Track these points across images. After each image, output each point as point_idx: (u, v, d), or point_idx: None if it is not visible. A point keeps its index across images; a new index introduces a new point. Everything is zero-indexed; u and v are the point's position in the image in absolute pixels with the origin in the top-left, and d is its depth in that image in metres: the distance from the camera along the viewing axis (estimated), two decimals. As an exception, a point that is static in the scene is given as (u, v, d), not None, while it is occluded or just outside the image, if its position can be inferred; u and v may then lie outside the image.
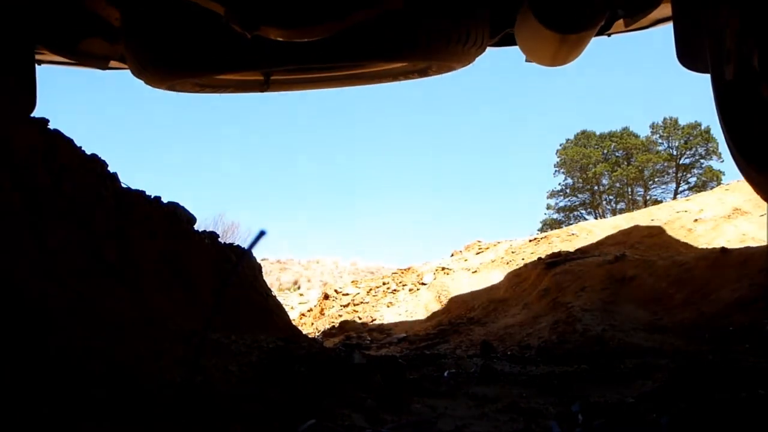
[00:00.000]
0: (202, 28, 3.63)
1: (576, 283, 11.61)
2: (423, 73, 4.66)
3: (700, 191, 26.83)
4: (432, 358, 6.27)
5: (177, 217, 4.73)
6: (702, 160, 37.49)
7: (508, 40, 4.85)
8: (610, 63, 61.39)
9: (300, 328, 10.81)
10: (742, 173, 2.88)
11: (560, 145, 40.73)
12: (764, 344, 5.93)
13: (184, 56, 3.82)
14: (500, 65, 66.46)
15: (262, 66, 3.95)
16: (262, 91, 4.66)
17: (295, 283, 30.17)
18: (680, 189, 37.63)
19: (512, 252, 15.58)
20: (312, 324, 15.19)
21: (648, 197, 38.10)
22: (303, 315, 16.55)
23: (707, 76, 3.29)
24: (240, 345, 3.82)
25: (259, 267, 7.03)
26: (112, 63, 4.77)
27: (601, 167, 38.56)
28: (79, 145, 4.02)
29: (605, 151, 39.72)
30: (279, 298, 9.92)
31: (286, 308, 11.48)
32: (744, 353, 5.49)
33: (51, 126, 3.85)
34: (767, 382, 2.32)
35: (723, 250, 10.14)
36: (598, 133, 40.37)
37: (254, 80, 4.67)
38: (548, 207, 41.19)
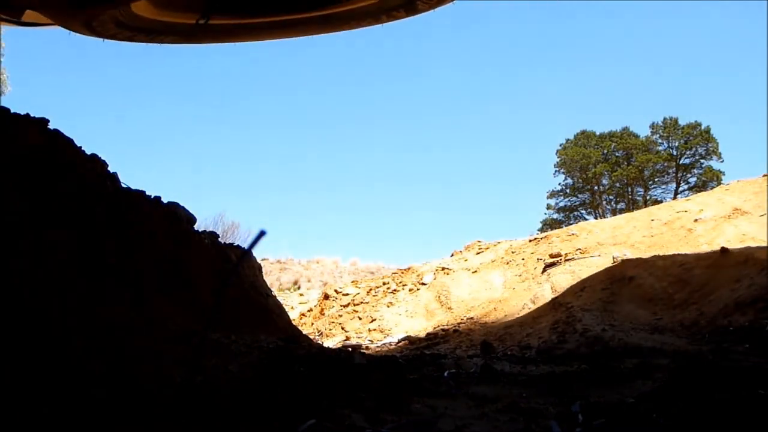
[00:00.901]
0: None
1: (576, 283, 11.63)
2: (410, 8, 4.10)
3: (700, 191, 26.82)
4: (432, 358, 6.28)
5: (177, 217, 4.74)
6: (702, 160, 37.37)
7: None
8: (610, 62, 61.46)
9: (300, 328, 10.81)
10: None
11: (560, 145, 40.62)
12: (764, 344, 5.93)
13: None
14: (500, 65, 66.53)
15: None
16: (199, 40, 4.04)
17: (295, 283, 30.20)
18: (680, 189, 37.54)
19: (512, 252, 15.61)
20: (312, 324, 15.21)
21: (648, 197, 38.01)
22: (303, 315, 16.57)
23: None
24: (240, 345, 3.83)
25: (259, 267, 7.04)
26: (29, 17, 4.23)
27: (601, 167, 38.48)
28: (79, 144, 4.02)
29: (605, 151, 39.63)
30: (279, 298, 9.93)
31: (286, 308, 11.48)
32: (744, 353, 5.50)
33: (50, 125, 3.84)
34: (767, 382, 2.32)
35: (723, 250, 10.16)
36: (598, 133, 40.33)
37: (196, 25, 4.14)
38: (548, 207, 41.11)
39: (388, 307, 14.44)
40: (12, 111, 3.58)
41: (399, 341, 11.89)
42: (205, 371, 2.72)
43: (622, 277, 11.04)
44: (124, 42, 4.21)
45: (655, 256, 11.61)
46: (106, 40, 4.09)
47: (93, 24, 3.77)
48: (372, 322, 13.71)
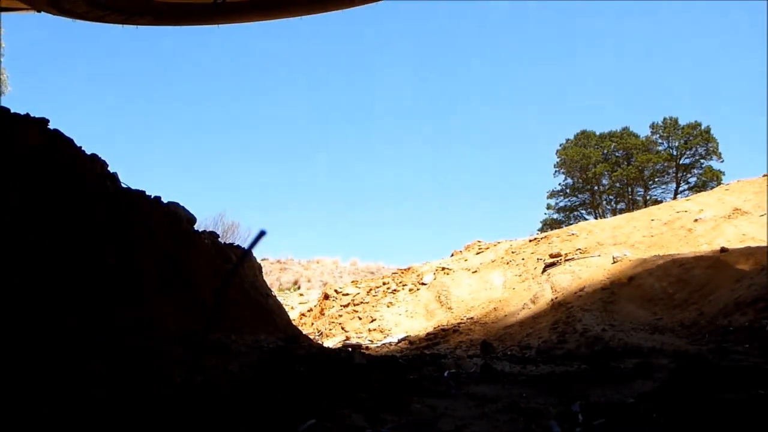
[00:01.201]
0: None
1: (576, 283, 11.64)
2: None
3: (700, 191, 26.78)
4: (432, 358, 6.28)
5: (177, 217, 4.74)
6: (702, 160, 37.23)
7: None
8: (610, 62, 61.44)
9: (300, 328, 10.81)
10: None
11: (560, 145, 40.51)
12: (764, 344, 5.93)
13: None
14: (500, 65, 66.52)
15: None
16: (204, 21, 3.99)
17: (295, 283, 30.21)
18: (680, 189, 37.46)
19: (512, 252, 15.61)
20: (312, 324, 15.21)
21: (648, 197, 37.91)
22: (303, 315, 16.57)
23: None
24: (240, 345, 3.83)
25: (259, 267, 7.04)
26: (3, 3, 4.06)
27: (601, 167, 38.38)
28: (79, 144, 4.02)
29: (605, 151, 39.56)
30: (279, 298, 9.94)
31: (286, 308, 11.47)
32: (744, 353, 5.51)
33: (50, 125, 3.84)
34: (767, 382, 2.32)
35: (723, 250, 10.17)
36: (598, 133, 40.30)
37: (168, 3, 4.01)
38: (548, 207, 40.97)
39: (388, 307, 14.44)
40: (12, 111, 3.58)
41: (399, 341, 11.89)
42: (205, 371, 2.72)
43: (622, 277, 11.05)
44: (97, 23, 4.07)
45: (655, 256, 11.61)
46: (77, 20, 3.94)
47: (60, 2, 3.61)
48: (372, 322, 13.70)
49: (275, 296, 6.55)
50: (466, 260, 16.01)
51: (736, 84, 52.33)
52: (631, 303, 9.82)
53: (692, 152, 37.35)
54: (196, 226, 4.96)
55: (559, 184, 41.14)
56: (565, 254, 13.48)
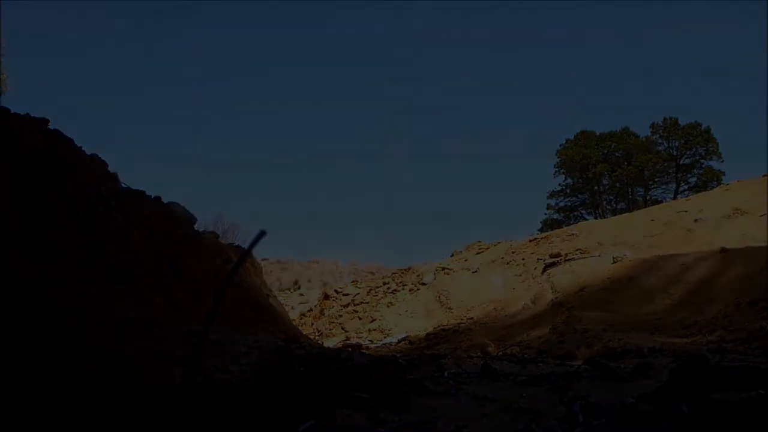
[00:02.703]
0: None
1: (576, 283, 11.63)
2: None
3: (700, 191, 26.76)
4: (432, 358, 6.28)
5: (177, 217, 4.74)
6: (702, 160, 37.21)
7: None
8: (610, 62, 61.50)
9: (300, 328, 10.81)
10: None
11: (560, 145, 40.54)
12: (764, 344, 5.93)
13: None
14: (500, 64, 66.61)
15: None
16: None
17: (295, 283, 30.25)
18: (680, 189, 37.42)
19: (512, 252, 15.60)
20: (312, 324, 15.20)
21: (648, 197, 37.90)
22: (303, 315, 16.57)
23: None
24: (240, 345, 3.83)
25: (260, 267, 7.05)
26: None
27: (601, 167, 38.31)
28: (79, 144, 4.02)
29: (605, 151, 39.53)
30: (279, 298, 9.93)
31: (286, 308, 11.45)
32: (744, 353, 5.51)
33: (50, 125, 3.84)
34: (767, 382, 2.32)
35: (723, 250, 10.17)
36: (598, 133, 40.28)
37: None
38: (548, 207, 40.97)
39: (388, 307, 14.43)
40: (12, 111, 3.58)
41: (399, 341, 11.89)
42: (205, 371, 2.72)
43: (622, 277, 11.05)
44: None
45: (655, 256, 11.61)
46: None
47: None
48: (372, 322, 13.69)
49: (275, 296, 6.56)
50: (466, 260, 16.00)
51: (736, 84, 52.42)
52: (631, 303, 9.82)
53: (692, 152, 37.30)
54: (196, 226, 4.96)
55: (559, 184, 41.09)
56: (566, 254, 13.48)
